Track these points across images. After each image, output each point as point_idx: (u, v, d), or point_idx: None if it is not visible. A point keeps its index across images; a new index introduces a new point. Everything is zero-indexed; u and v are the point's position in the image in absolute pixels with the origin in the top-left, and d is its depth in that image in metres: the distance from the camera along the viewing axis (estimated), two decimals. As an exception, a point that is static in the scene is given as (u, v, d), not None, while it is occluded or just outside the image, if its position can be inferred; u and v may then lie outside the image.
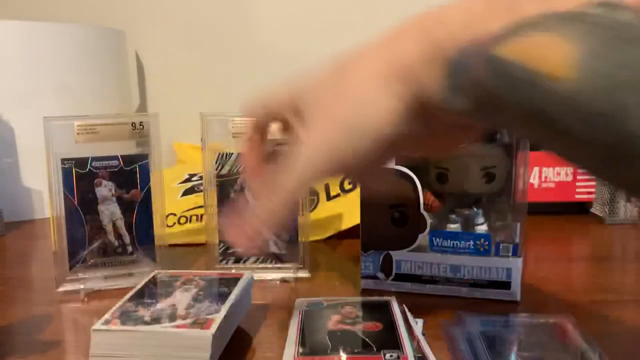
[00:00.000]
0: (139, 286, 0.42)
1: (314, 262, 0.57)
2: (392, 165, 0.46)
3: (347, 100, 0.27)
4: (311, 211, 0.66)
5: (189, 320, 0.35)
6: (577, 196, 0.73)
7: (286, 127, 0.34)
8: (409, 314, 0.41)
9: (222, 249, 0.54)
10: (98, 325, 0.35)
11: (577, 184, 0.73)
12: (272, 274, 0.53)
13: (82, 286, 0.50)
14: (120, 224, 0.51)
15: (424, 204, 0.47)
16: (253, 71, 1.04)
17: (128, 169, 0.51)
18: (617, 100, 0.18)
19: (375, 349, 0.35)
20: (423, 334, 0.39)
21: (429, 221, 0.47)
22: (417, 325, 0.40)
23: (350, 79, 0.28)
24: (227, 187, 0.53)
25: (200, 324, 0.35)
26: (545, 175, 0.73)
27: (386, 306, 0.42)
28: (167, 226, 0.66)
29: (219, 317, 0.35)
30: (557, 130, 0.20)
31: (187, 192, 0.75)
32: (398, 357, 0.34)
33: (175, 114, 0.99)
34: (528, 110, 0.20)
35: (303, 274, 0.53)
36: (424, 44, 0.25)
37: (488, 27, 0.22)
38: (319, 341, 0.36)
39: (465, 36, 0.23)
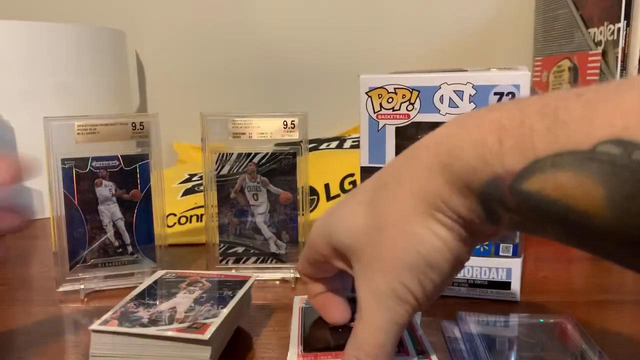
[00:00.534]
0: (143, 286, 0.42)
1: (314, 262, 0.57)
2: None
3: (403, 244, 0.27)
4: (311, 211, 0.66)
5: (186, 324, 0.35)
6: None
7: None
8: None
9: (222, 249, 0.54)
10: (96, 325, 0.35)
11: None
12: (272, 274, 0.53)
13: (82, 286, 0.50)
14: (121, 224, 0.51)
15: (424, 204, 0.47)
16: (253, 71, 1.04)
17: (128, 169, 0.51)
18: None
19: None
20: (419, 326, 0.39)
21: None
22: (416, 318, 0.41)
23: (396, 223, 0.28)
24: (227, 187, 0.53)
25: (196, 328, 0.34)
26: (545, 175, 0.73)
27: None
28: (167, 226, 0.66)
29: (216, 322, 0.35)
30: (591, 247, 0.23)
31: (187, 192, 0.75)
32: (398, 350, 0.34)
33: (175, 114, 1.00)
34: (563, 232, 0.23)
35: (303, 274, 0.53)
36: (451, 181, 0.26)
37: (505, 162, 0.23)
38: (322, 338, 0.36)
39: (486, 171, 0.24)
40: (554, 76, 0.88)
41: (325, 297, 0.37)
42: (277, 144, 0.53)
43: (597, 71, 0.74)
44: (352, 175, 0.71)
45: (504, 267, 0.46)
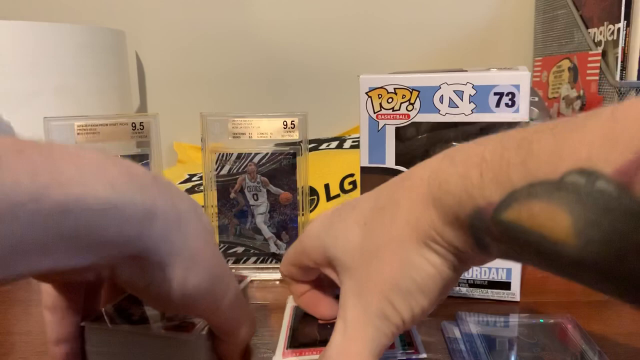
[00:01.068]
0: None
1: (314, 262, 0.57)
2: (392, 165, 0.46)
3: (397, 268, 0.28)
4: (311, 211, 0.66)
5: (175, 323, 0.35)
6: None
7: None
8: None
9: (222, 249, 0.54)
10: (88, 321, 0.35)
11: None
12: (272, 274, 0.53)
13: (82, 286, 0.50)
14: (120, 224, 0.51)
15: (424, 204, 0.47)
16: (253, 71, 1.04)
17: (128, 169, 0.51)
18: (620, 262, 0.20)
19: None
20: None
21: (429, 221, 0.47)
22: None
23: (392, 248, 0.29)
24: (227, 187, 0.53)
25: (184, 327, 0.35)
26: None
27: None
28: (167, 226, 0.66)
29: (203, 321, 0.35)
30: (569, 274, 0.24)
31: (187, 192, 0.75)
32: None
33: (175, 114, 1.00)
34: (542, 261, 0.24)
35: (303, 274, 0.53)
36: (442, 213, 0.27)
37: (485, 194, 0.24)
38: (309, 335, 0.37)
39: (471, 204, 0.25)
40: (554, 76, 0.88)
41: (311, 294, 0.38)
42: (277, 144, 0.53)
43: (597, 71, 0.74)
44: (352, 175, 0.71)
45: (504, 267, 0.46)
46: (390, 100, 0.45)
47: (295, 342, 0.36)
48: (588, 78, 0.76)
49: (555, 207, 0.21)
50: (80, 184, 0.22)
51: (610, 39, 0.72)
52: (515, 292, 0.46)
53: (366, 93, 0.46)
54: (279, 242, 0.54)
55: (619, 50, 0.70)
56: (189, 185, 0.78)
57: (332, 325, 0.37)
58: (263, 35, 1.03)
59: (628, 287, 0.21)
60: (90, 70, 0.83)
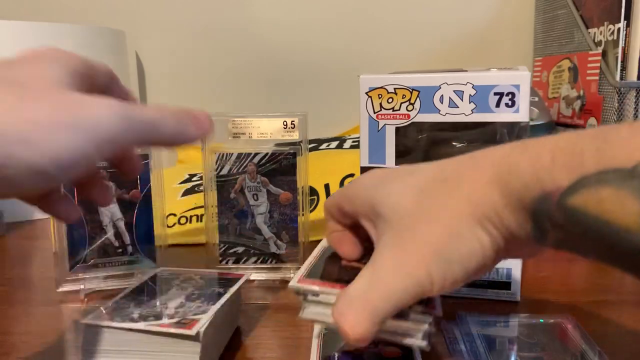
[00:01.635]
0: (138, 282, 0.42)
1: (314, 262, 0.57)
2: (392, 165, 0.46)
3: (446, 236, 0.29)
4: (311, 211, 0.66)
5: (175, 320, 0.35)
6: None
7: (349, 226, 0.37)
8: None
9: (222, 249, 0.54)
10: (88, 319, 0.35)
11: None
12: (272, 274, 0.53)
13: (82, 286, 0.50)
14: (121, 224, 0.51)
15: (424, 204, 0.47)
16: (253, 71, 1.04)
17: (128, 169, 0.51)
18: None
19: None
20: None
21: (429, 221, 0.47)
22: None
23: (445, 217, 0.29)
24: (227, 187, 0.53)
25: (184, 324, 0.35)
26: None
27: None
28: (167, 226, 0.66)
29: (204, 318, 0.35)
30: (629, 265, 0.24)
31: (187, 192, 0.75)
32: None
33: (175, 114, 0.99)
34: (602, 249, 0.24)
35: (303, 274, 0.53)
36: (505, 194, 0.27)
37: (554, 178, 0.25)
38: (329, 271, 0.37)
39: (538, 187, 0.25)
40: (554, 76, 0.88)
41: (342, 234, 0.38)
42: (277, 144, 0.53)
43: (597, 71, 0.74)
44: (352, 175, 0.71)
45: (504, 267, 0.46)
46: (390, 100, 0.45)
47: (314, 274, 0.36)
48: (588, 78, 0.76)
49: (625, 195, 0.22)
50: None
51: (610, 39, 0.72)
52: (515, 292, 0.46)
53: (366, 93, 0.46)
54: (279, 242, 0.54)
55: (619, 50, 0.70)
56: (188, 185, 0.78)
57: (353, 269, 0.37)
58: (263, 35, 1.03)
59: None
60: (90, 70, 0.83)
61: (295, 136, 0.52)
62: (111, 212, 0.51)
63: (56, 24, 0.79)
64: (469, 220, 0.28)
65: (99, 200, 0.38)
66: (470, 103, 0.43)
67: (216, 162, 0.52)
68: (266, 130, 0.51)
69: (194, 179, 0.81)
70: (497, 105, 0.43)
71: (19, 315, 0.47)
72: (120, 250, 0.52)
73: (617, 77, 0.70)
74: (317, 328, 0.40)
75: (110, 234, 0.51)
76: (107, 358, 0.35)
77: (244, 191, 0.53)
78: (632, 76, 0.70)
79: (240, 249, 0.54)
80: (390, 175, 0.33)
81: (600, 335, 0.39)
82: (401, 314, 0.32)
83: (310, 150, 0.80)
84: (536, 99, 0.77)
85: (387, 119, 0.46)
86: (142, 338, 0.35)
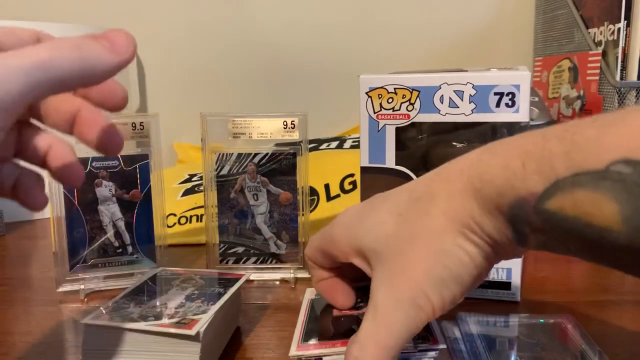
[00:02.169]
0: (139, 282, 0.42)
1: (314, 262, 0.57)
2: (392, 165, 0.46)
3: (432, 255, 0.29)
4: (311, 211, 0.66)
5: (175, 320, 0.35)
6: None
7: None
8: None
9: (222, 249, 0.54)
10: (88, 319, 0.35)
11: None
12: (272, 274, 0.53)
13: (82, 286, 0.50)
14: (121, 224, 0.51)
15: (424, 204, 0.47)
16: (253, 71, 1.04)
17: (128, 169, 0.51)
18: None
19: None
20: None
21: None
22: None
23: (427, 237, 0.29)
24: (227, 187, 0.53)
25: (184, 324, 0.35)
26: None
27: None
28: (167, 226, 0.66)
29: (204, 318, 0.35)
30: (612, 261, 0.24)
31: (187, 192, 0.75)
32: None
33: (175, 114, 1.00)
34: (584, 248, 0.24)
35: (303, 274, 0.53)
36: (482, 204, 0.27)
37: (528, 185, 0.25)
38: (323, 328, 0.37)
39: (512, 194, 0.26)
40: (554, 76, 0.88)
41: (331, 282, 0.38)
42: (277, 144, 0.53)
43: (597, 71, 0.74)
44: (352, 175, 0.71)
45: (504, 267, 0.46)
46: (390, 100, 0.45)
47: (310, 335, 0.36)
48: (588, 78, 0.76)
49: (601, 196, 0.22)
50: None
51: (610, 39, 0.72)
52: (515, 292, 0.46)
53: (366, 93, 0.46)
54: (279, 242, 0.54)
55: (619, 50, 0.70)
56: (189, 185, 0.78)
57: (346, 318, 0.38)
58: (263, 35, 1.03)
59: None
60: (90, 70, 0.83)
61: (295, 136, 0.52)
62: (111, 212, 0.51)
63: (56, 24, 0.79)
64: (449, 234, 0.28)
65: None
66: (470, 103, 0.43)
67: (216, 162, 0.52)
68: (266, 130, 0.51)
69: (194, 179, 0.81)
70: (497, 105, 0.43)
71: (19, 315, 0.47)
72: (120, 250, 0.52)
73: (617, 77, 0.70)
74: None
75: (110, 234, 0.51)
76: (107, 358, 0.35)
77: (244, 191, 0.53)
78: (632, 76, 0.70)
79: (240, 249, 0.54)
80: (366, 208, 0.33)
81: (600, 335, 0.39)
82: (407, 353, 0.33)
83: (310, 150, 0.80)
84: (536, 99, 0.77)
85: (387, 119, 0.46)
86: (142, 338, 0.35)
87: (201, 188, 0.73)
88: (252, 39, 1.04)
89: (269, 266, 0.54)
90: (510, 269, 0.46)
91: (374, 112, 0.46)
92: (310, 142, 0.84)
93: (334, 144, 0.84)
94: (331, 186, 0.70)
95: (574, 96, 0.81)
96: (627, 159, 0.22)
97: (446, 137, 0.47)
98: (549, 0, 0.92)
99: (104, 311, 0.37)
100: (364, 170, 0.47)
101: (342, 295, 0.38)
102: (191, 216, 0.69)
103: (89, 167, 0.50)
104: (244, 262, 0.54)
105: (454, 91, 0.44)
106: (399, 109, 0.45)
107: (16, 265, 0.61)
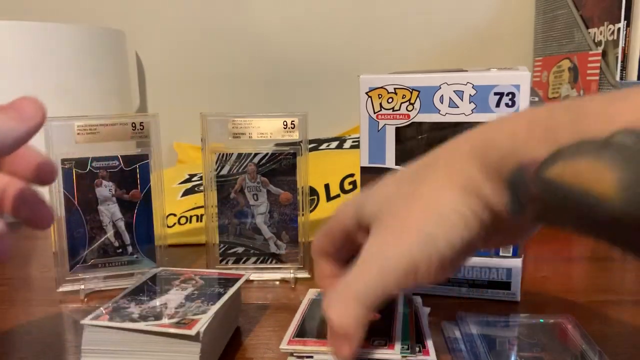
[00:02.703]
0: (139, 282, 0.42)
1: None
2: (392, 165, 0.46)
3: (425, 211, 0.29)
4: (311, 211, 0.66)
5: (175, 320, 0.35)
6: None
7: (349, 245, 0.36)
8: (419, 306, 0.42)
9: (222, 249, 0.54)
10: (87, 319, 0.35)
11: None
12: (272, 274, 0.53)
13: (82, 286, 0.50)
14: (121, 224, 0.51)
15: (424, 204, 0.47)
16: (253, 71, 1.04)
17: (128, 169, 0.51)
18: None
19: (365, 335, 0.36)
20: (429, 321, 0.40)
21: (429, 221, 0.47)
22: (424, 312, 0.41)
23: (424, 194, 0.30)
24: (227, 188, 0.53)
25: (184, 324, 0.35)
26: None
27: (391, 298, 0.43)
28: (167, 226, 0.66)
29: (204, 318, 0.35)
30: (607, 234, 0.24)
31: (187, 192, 0.75)
32: (385, 343, 0.35)
33: (175, 114, 1.00)
34: (580, 220, 0.24)
35: (303, 274, 0.53)
36: (484, 168, 0.28)
37: (531, 151, 0.25)
38: (317, 327, 0.38)
39: (515, 160, 0.26)
40: (554, 76, 0.88)
41: (335, 281, 0.37)
42: (277, 144, 0.53)
43: (597, 71, 0.74)
44: (352, 175, 0.71)
45: (504, 267, 0.46)
46: (390, 100, 0.45)
47: (303, 332, 0.37)
48: (588, 78, 0.76)
49: (601, 164, 0.22)
50: None
51: (610, 39, 0.72)
52: (515, 292, 0.46)
53: (366, 93, 0.46)
54: (279, 242, 0.54)
55: (619, 50, 0.70)
56: (189, 185, 0.78)
57: None
58: (263, 35, 1.03)
59: None
60: (90, 70, 0.83)
61: (295, 136, 0.52)
62: (111, 212, 0.51)
63: (56, 24, 0.79)
64: (447, 194, 0.28)
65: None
66: (470, 103, 0.43)
67: (216, 162, 0.52)
68: (266, 130, 0.51)
69: (194, 179, 0.81)
70: (497, 105, 0.43)
71: (19, 315, 0.47)
72: (120, 250, 0.52)
73: (617, 77, 0.70)
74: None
75: (110, 234, 0.51)
76: (107, 358, 0.35)
77: (244, 191, 0.53)
78: (632, 76, 0.70)
79: (240, 249, 0.54)
80: (373, 186, 0.34)
81: (600, 335, 0.39)
82: None
83: (310, 150, 0.80)
84: (536, 99, 0.77)
85: (387, 119, 0.46)
86: (142, 338, 0.35)
87: (201, 188, 0.73)
88: (252, 39, 1.04)
89: (269, 266, 0.54)
90: (510, 269, 0.46)
91: (374, 112, 0.46)
92: (310, 142, 0.84)
93: (334, 144, 0.84)
94: (331, 186, 0.70)
95: (574, 96, 0.81)
96: (630, 129, 0.22)
97: (446, 137, 0.47)
98: (549, 0, 0.92)
99: (104, 311, 0.37)
100: (364, 170, 0.47)
101: None
102: (191, 216, 0.69)
103: (89, 167, 0.50)
104: (244, 262, 0.54)
105: (454, 91, 0.44)
106: (399, 109, 0.45)
107: (16, 265, 0.60)
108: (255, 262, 0.54)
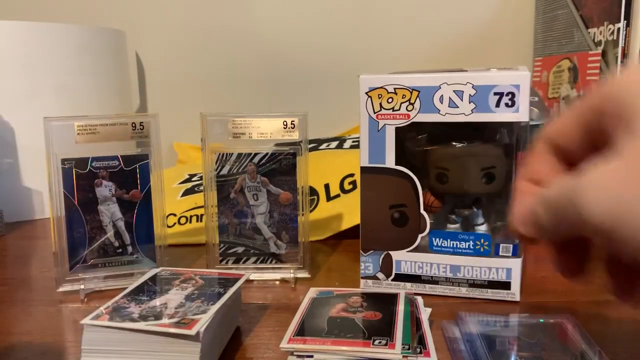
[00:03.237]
0: (138, 282, 0.42)
1: (314, 262, 0.57)
2: (392, 165, 0.46)
3: None
4: (311, 211, 0.66)
5: (175, 320, 0.35)
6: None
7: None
8: (421, 306, 0.42)
9: (222, 249, 0.54)
10: (87, 319, 0.35)
11: (577, 184, 0.73)
12: (272, 274, 0.53)
13: (82, 286, 0.50)
14: (121, 224, 0.51)
15: (424, 204, 0.47)
16: (253, 71, 1.04)
17: (128, 169, 0.51)
18: None
19: (366, 335, 0.36)
20: (430, 321, 0.40)
21: (428, 221, 0.47)
22: (425, 313, 0.42)
23: None
24: (227, 187, 0.53)
25: (184, 324, 0.35)
26: (545, 175, 0.73)
27: (393, 298, 0.43)
28: (167, 226, 0.66)
29: (204, 318, 0.35)
30: None
31: (187, 192, 0.75)
32: (386, 343, 0.35)
33: (175, 114, 1.00)
34: None
35: (303, 274, 0.53)
36: None
37: None
38: (317, 326, 0.38)
39: None
40: (553, 76, 0.88)
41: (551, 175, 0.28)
42: (277, 144, 0.53)
43: (597, 71, 0.74)
44: (352, 175, 0.71)
45: (504, 267, 0.46)
46: (390, 100, 0.45)
47: (303, 331, 0.37)
48: (588, 78, 0.76)
49: None
50: None
51: (610, 39, 0.72)
52: (515, 292, 0.46)
53: (366, 93, 0.46)
54: (279, 242, 0.54)
55: (619, 50, 0.70)
56: (189, 185, 0.78)
57: (341, 319, 0.39)
58: (263, 35, 1.03)
59: None
60: (90, 70, 0.83)
61: (295, 136, 0.52)
62: (111, 212, 0.51)
63: (56, 24, 0.79)
64: None
65: None
66: (470, 103, 0.43)
67: (216, 162, 0.52)
68: (266, 130, 0.51)
69: (194, 179, 0.81)
70: (497, 105, 0.43)
71: (19, 315, 0.47)
72: (120, 250, 0.52)
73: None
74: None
75: (110, 234, 0.51)
76: (107, 358, 0.35)
77: (244, 191, 0.53)
78: (632, 76, 0.70)
79: (240, 249, 0.54)
80: None
81: (600, 335, 0.39)
82: None
83: (310, 150, 0.80)
84: (536, 99, 0.77)
85: (387, 118, 0.46)
86: (142, 338, 0.35)
87: (201, 188, 0.73)
88: (252, 39, 1.04)
89: (268, 266, 0.54)
90: (510, 269, 0.46)
91: (374, 112, 0.46)
92: (310, 142, 0.84)
93: (334, 144, 0.84)
94: (331, 186, 0.70)
95: (574, 96, 0.81)
96: None
97: (446, 137, 0.47)
98: (549, 0, 0.92)
99: (103, 311, 0.37)
100: (364, 170, 0.47)
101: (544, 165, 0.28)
102: (191, 216, 0.69)
103: (88, 167, 0.50)
104: (244, 262, 0.54)
105: (453, 91, 0.44)
106: (399, 109, 0.45)
107: (16, 265, 0.60)
108: (255, 262, 0.54)
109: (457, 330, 0.40)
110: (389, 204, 0.47)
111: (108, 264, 0.51)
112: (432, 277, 0.48)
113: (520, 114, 0.43)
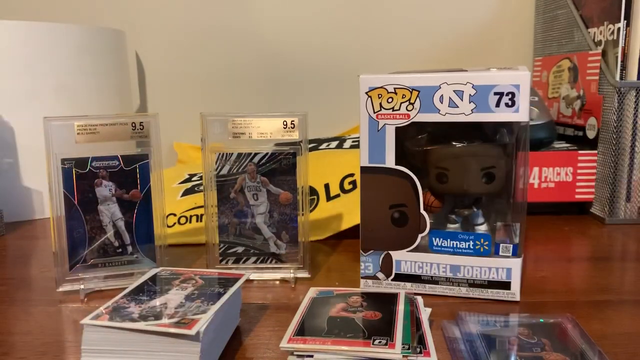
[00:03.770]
0: (138, 282, 0.42)
1: (314, 262, 0.57)
2: (392, 165, 0.46)
3: None
4: (311, 211, 0.66)
5: (175, 320, 0.35)
6: (577, 196, 0.73)
7: None
8: (421, 306, 0.42)
9: (222, 249, 0.54)
10: (87, 319, 0.35)
11: (577, 184, 0.73)
12: (272, 274, 0.53)
13: (82, 286, 0.50)
14: (121, 224, 0.51)
15: (424, 204, 0.47)
16: (253, 71, 1.04)
17: (128, 169, 0.51)
18: None
19: (366, 335, 0.36)
20: (430, 321, 0.40)
21: (428, 221, 0.47)
22: (425, 313, 0.42)
23: None
24: (227, 187, 0.53)
25: (184, 323, 0.35)
26: (545, 175, 0.73)
27: (393, 298, 0.43)
28: (167, 226, 0.66)
29: (204, 318, 0.35)
30: None
31: (187, 192, 0.75)
32: (386, 343, 0.35)
33: (175, 114, 1.00)
34: None
35: (303, 274, 0.53)
36: None
37: None
38: (317, 325, 0.38)
39: None
40: (553, 76, 0.88)
41: None
42: (277, 144, 0.53)
43: (597, 71, 0.74)
44: (352, 175, 0.71)
45: (504, 267, 0.46)
46: (390, 100, 0.45)
47: (303, 331, 0.37)
48: (588, 78, 0.76)
49: None
50: None
51: (610, 38, 0.72)
52: (515, 292, 0.46)
53: (366, 93, 0.46)
54: (278, 242, 0.54)
55: (619, 50, 0.70)
56: (188, 185, 0.78)
57: (341, 318, 0.39)
58: (263, 35, 1.03)
59: None
60: (90, 70, 0.83)
61: (295, 136, 0.52)
62: (111, 212, 0.51)
63: (56, 24, 0.79)
64: None
65: None
66: (470, 103, 0.43)
67: (216, 162, 0.52)
68: (266, 130, 0.51)
69: (194, 179, 0.81)
70: (497, 105, 0.43)
71: (19, 315, 0.47)
72: (120, 250, 0.52)
73: (617, 77, 0.70)
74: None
75: (110, 233, 0.51)
76: (107, 358, 0.35)
77: (244, 191, 0.53)
78: (632, 76, 0.70)
79: (240, 249, 0.54)
80: None
81: (600, 335, 0.39)
82: None
83: (310, 150, 0.80)
84: (536, 98, 0.77)
85: (387, 118, 0.46)
86: (142, 338, 0.35)
87: (201, 188, 0.73)
88: (252, 39, 1.04)
89: (268, 266, 0.54)
90: (510, 269, 0.46)
91: (374, 112, 0.46)
92: (310, 142, 0.84)
93: (334, 144, 0.84)
94: (331, 186, 0.70)
95: (574, 96, 0.81)
96: None
97: (446, 137, 0.47)
98: (549, 0, 0.92)
99: (103, 311, 0.37)
100: (364, 170, 0.47)
101: None
102: (191, 216, 0.69)
103: (88, 167, 0.50)
104: (244, 262, 0.54)
105: (453, 91, 0.44)
106: (399, 109, 0.45)
107: (16, 265, 0.60)
108: (255, 262, 0.54)
109: (457, 330, 0.40)
110: (389, 203, 0.47)
111: (108, 264, 0.51)
112: (432, 277, 0.48)
113: (520, 113, 0.43)
